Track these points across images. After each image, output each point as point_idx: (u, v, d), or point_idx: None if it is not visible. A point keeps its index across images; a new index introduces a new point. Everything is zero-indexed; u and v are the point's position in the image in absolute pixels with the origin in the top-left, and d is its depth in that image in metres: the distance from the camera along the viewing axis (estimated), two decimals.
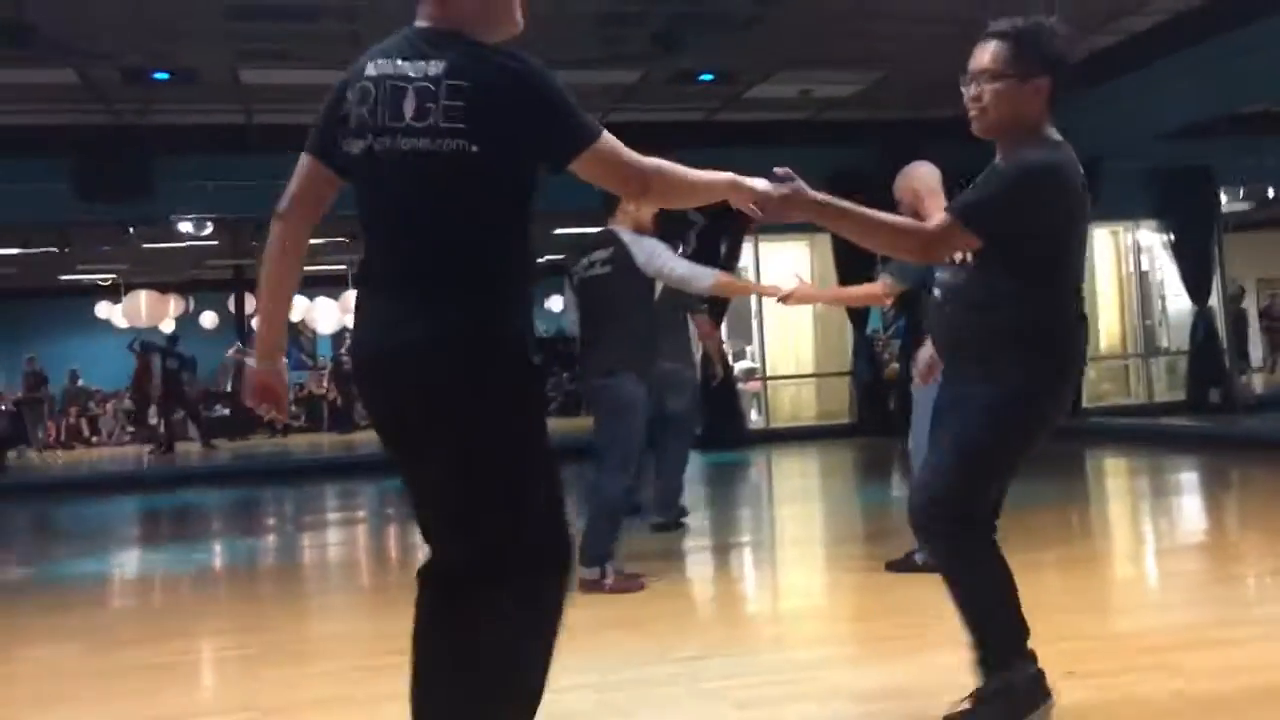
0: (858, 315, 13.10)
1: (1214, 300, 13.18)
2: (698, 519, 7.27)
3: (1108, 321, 14.28)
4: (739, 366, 14.55)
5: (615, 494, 4.96)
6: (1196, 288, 13.05)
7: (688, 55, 9.81)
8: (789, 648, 4.16)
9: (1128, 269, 14.30)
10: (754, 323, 13.82)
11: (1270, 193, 15.29)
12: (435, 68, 2.19)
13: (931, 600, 4.64)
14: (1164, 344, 14.39)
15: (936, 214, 3.19)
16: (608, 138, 2.30)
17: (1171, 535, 6.82)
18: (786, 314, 14.08)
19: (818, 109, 12.40)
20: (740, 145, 12.59)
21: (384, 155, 2.22)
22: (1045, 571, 5.16)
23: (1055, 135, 2.88)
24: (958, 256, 2.87)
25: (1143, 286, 14.28)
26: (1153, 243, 14.08)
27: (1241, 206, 15.82)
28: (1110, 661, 3.57)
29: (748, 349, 15.22)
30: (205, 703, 3.91)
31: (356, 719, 3.46)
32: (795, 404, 14.29)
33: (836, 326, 13.56)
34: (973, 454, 2.86)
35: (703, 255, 8.24)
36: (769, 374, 13.76)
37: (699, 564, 6.29)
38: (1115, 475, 9.88)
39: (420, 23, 2.30)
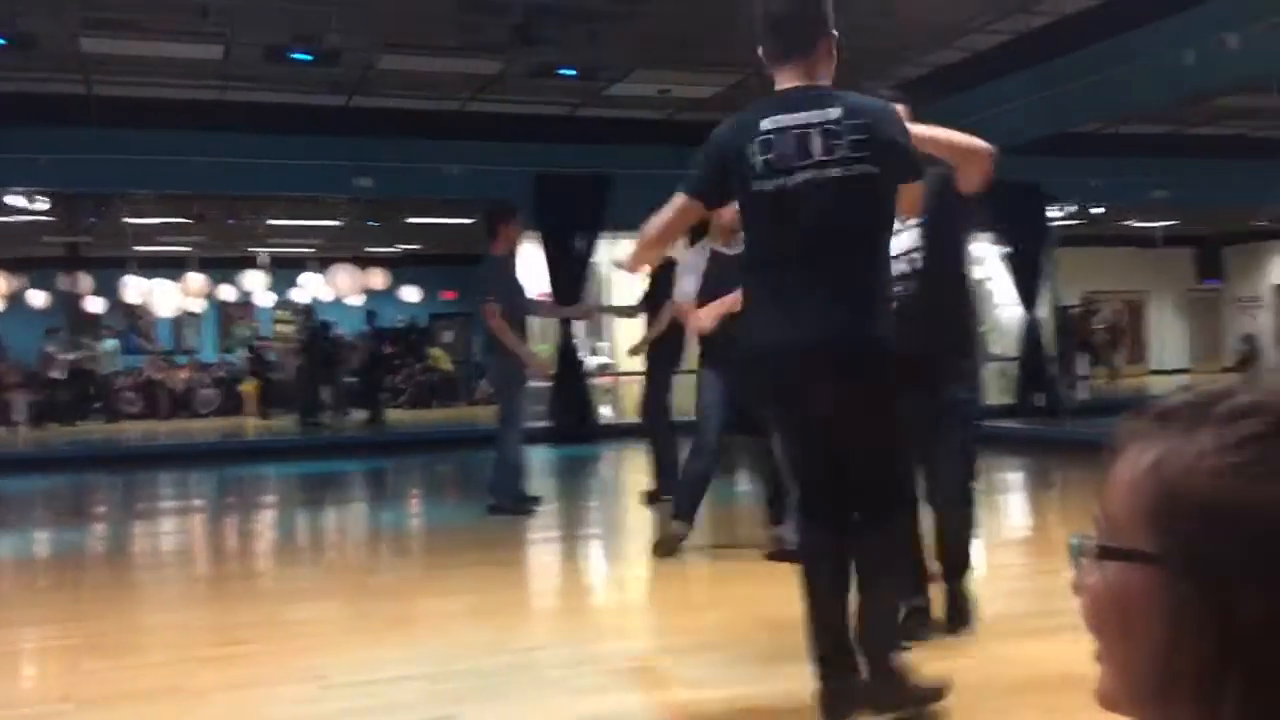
0: None
1: (1042, 310, 13.85)
2: (544, 510, 7.29)
3: None
4: (592, 361, 14.63)
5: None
6: (1027, 298, 13.69)
7: (549, 49, 9.81)
8: (629, 638, 4.23)
9: None
10: (606, 319, 13.90)
11: (1095, 209, 16.12)
12: (834, 113, 2.80)
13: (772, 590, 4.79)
14: (996, 350, 15.05)
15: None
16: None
17: (997, 532, 7.15)
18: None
19: (676, 109, 12.55)
20: (600, 142, 12.68)
21: (798, 188, 2.81)
22: None
23: None
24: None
25: (980, 295, 14.90)
26: (988, 253, 14.70)
27: (1069, 222, 16.65)
28: (930, 648, 3.74)
29: (601, 344, 15.32)
30: (23, 695, 3.75)
31: (181, 711, 3.36)
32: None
33: None
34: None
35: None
36: (621, 369, 13.88)
37: (544, 555, 6.32)
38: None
39: (789, 84, 2.93)
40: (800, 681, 2.97)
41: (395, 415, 17.29)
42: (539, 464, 11.16)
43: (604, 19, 9.18)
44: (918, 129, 3.09)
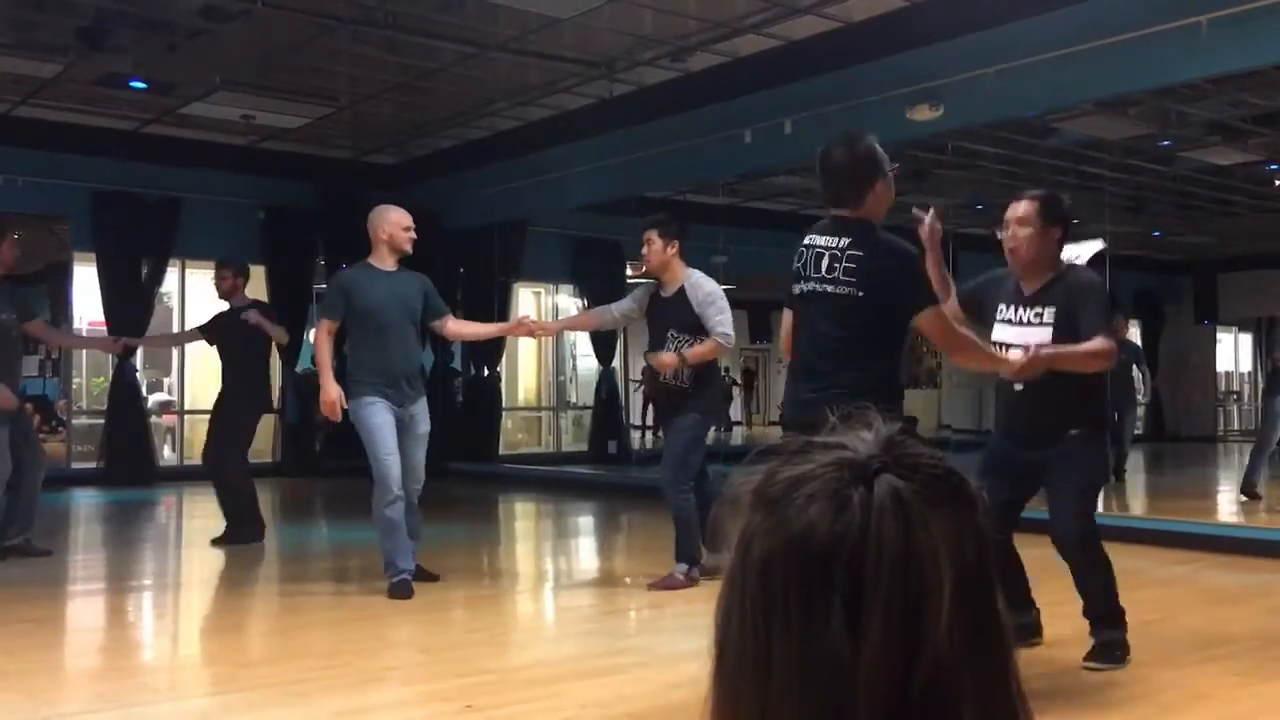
0: (288, 353, 12.79)
1: (616, 361, 14.58)
2: (93, 559, 6.62)
3: (525, 377, 15.25)
4: (153, 399, 13.54)
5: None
6: (603, 350, 14.36)
7: (119, 57, 9.05)
8: (182, 697, 3.91)
9: None
10: (174, 353, 12.96)
11: None
12: (843, 242, 3.47)
13: (344, 643, 4.63)
14: (572, 399, 15.63)
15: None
16: (939, 309, 3.57)
17: (569, 573, 7.38)
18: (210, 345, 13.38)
19: (259, 137, 12.02)
20: (173, 164, 11.85)
21: (809, 295, 3.54)
22: (453, 610, 5.35)
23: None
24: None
25: (558, 345, 15.42)
26: (568, 305, 15.28)
27: (643, 279, 17.70)
28: (506, 694, 3.76)
29: (165, 380, 14.25)
30: None
31: None
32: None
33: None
34: None
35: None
36: (187, 407, 12.95)
37: (87, 609, 5.72)
38: (524, 518, 10.52)
39: (836, 213, 3.56)
40: None
41: None
42: (86, 508, 10.14)
43: (185, 33, 8.61)
44: (1049, 351, 3.72)
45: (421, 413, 5.56)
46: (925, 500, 0.65)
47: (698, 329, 5.54)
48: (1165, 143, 11.42)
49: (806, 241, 3.59)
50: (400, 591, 5.29)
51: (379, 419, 5.32)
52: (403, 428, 5.42)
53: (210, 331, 7.54)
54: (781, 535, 0.65)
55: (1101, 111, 9.68)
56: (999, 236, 4.10)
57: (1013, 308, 4.05)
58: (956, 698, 0.63)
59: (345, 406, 5.38)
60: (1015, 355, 3.75)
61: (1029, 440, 4.03)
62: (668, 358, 5.49)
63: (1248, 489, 9.31)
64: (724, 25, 8.70)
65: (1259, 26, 6.56)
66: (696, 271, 5.80)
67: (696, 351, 5.48)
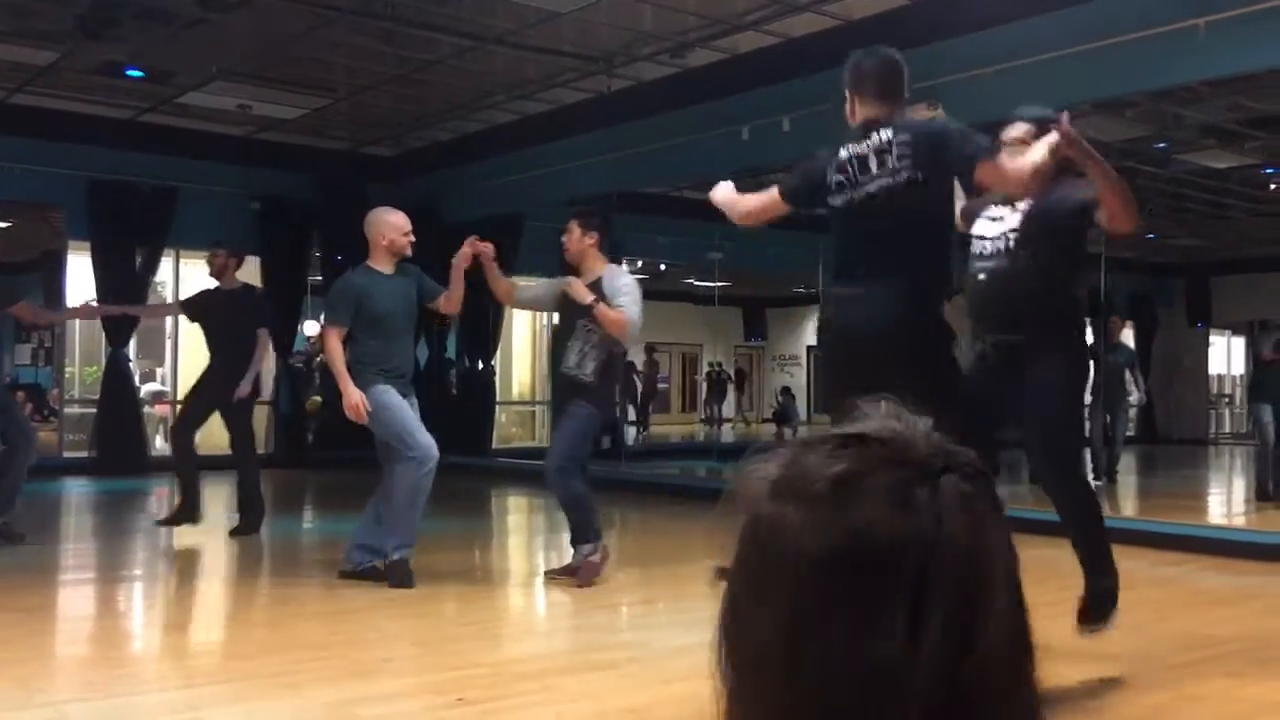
0: (282, 344, 12.77)
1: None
2: (84, 549, 6.61)
3: (520, 371, 15.24)
4: (146, 389, 13.52)
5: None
6: None
7: (117, 45, 9.03)
8: (173, 687, 3.91)
9: (541, 323, 15.36)
10: (167, 343, 12.93)
11: (662, 266, 17.25)
12: (885, 134, 3.51)
13: (336, 635, 4.63)
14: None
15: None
16: (995, 159, 3.51)
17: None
18: (200, 337, 13.34)
19: (256, 127, 12.00)
20: (170, 154, 11.82)
21: (864, 200, 3.53)
22: (445, 604, 5.35)
23: None
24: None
25: (552, 340, 15.39)
26: None
27: (638, 275, 17.72)
28: (498, 687, 3.76)
29: (158, 370, 14.22)
30: None
31: None
32: (207, 431, 13.50)
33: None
34: None
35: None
36: (180, 398, 12.89)
37: (78, 599, 5.71)
38: (517, 512, 10.52)
39: (867, 116, 3.60)
40: None
41: None
42: (77, 498, 10.12)
43: (184, 22, 8.58)
44: (1096, 158, 3.54)
45: (414, 409, 5.66)
46: (985, 503, 0.65)
47: None
48: (1161, 145, 11.44)
49: (843, 155, 3.59)
50: (403, 576, 5.37)
51: (397, 399, 5.46)
52: None
53: (193, 308, 7.45)
54: (837, 533, 0.63)
55: (1099, 113, 9.69)
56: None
57: (997, 207, 4.02)
58: (992, 698, 0.63)
59: (369, 408, 5.39)
60: (1041, 147, 3.59)
61: (999, 352, 3.90)
62: (580, 287, 5.44)
63: (1266, 493, 9.30)
64: (723, 22, 8.69)
65: (1256, 30, 6.57)
66: (617, 266, 5.77)
67: (606, 311, 5.38)
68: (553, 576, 5.75)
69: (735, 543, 0.68)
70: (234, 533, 7.22)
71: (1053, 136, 3.58)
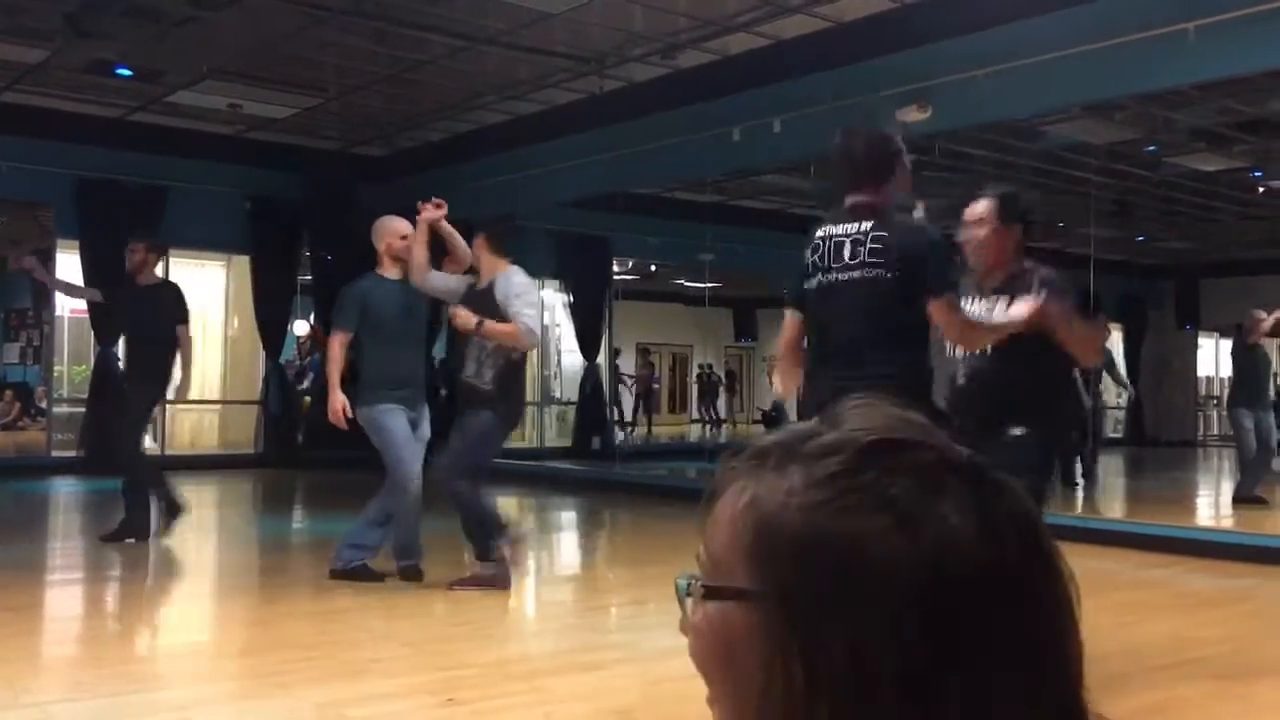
0: (273, 344, 12.75)
1: (601, 358, 14.57)
2: (71, 548, 6.59)
3: None
4: None
5: None
6: (588, 345, 14.35)
7: (106, 44, 9.00)
8: (163, 687, 3.90)
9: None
10: None
11: (653, 266, 17.26)
12: (865, 226, 3.45)
13: (326, 635, 4.63)
14: (557, 394, 15.62)
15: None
16: (954, 299, 3.54)
17: (551, 568, 7.38)
18: (193, 335, 13.29)
19: (247, 126, 11.97)
20: (159, 153, 11.79)
21: (831, 285, 3.49)
22: (435, 604, 5.35)
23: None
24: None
25: (543, 340, 15.39)
26: (554, 300, 15.27)
27: (629, 276, 17.71)
28: (488, 688, 3.76)
29: None
30: None
31: None
32: (196, 430, 13.51)
33: (248, 353, 13.08)
34: None
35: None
36: (169, 397, 12.86)
37: (67, 598, 5.69)
38: (507, 513, 10.48)
39: (854, 200, 3.51)
40: None
41: None
42: (66, 497, 10.08)
43: (174, 20, 8.55)
44: (1064, 325, 3.61)
45: (424, 420, 5.68)
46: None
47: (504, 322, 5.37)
48: (1151, 148, 11.48)
49: (821, 234, 3.54)
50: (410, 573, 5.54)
51: (395, 422, 5.47)
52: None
53: (112, 302, 7.34)
54: (914, 546, 0.59)
55: (1089, 115, 9.72)
56: (956, 238, 4.03)
57: (971, 300, 4.00)
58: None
59: (350, 415, 5.43)
60: (1019, 309, 3.64)
61: (972, 435, 3.94)
62: (464, 314, 5.29)
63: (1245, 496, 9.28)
64: (714, 23, 8.70)
65: (1246, 33, 6.60)
66: (516, 268, 5.63)
67: (495, 327, 5.26)
68: (458, 588, 5.42)
69: (784, 558, 0.61)
70: (105, 539, 6.74)
71: (1019, 310, 3.63)
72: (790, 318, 3.71)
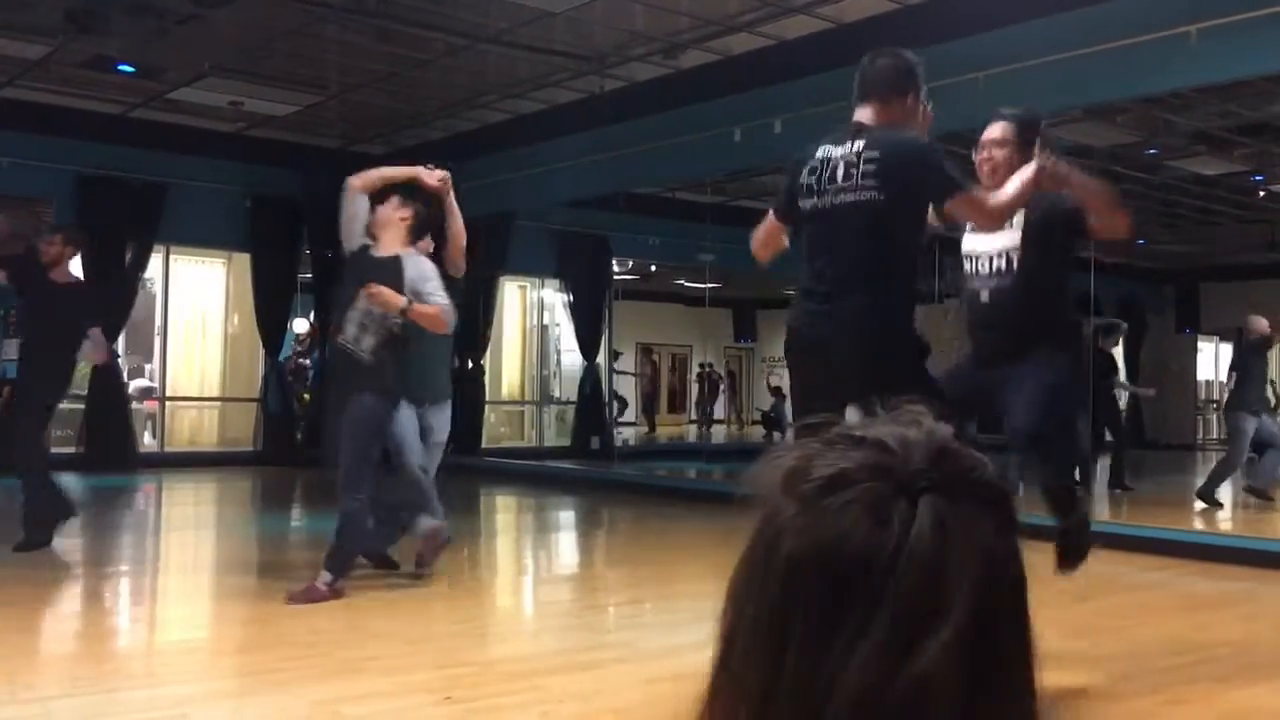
0: (272, 341, 12.75)
1: (600, 357, 14.57)
2: (70, 545, 6.59)
3: (509, 370, 15.23)
4: (134, 385, 13.47)
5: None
6: (588, 345, 14.34)
7: (107, 40, 8.99)
8: (162, 683, 3.89)
9: (530, 322, 15.36)
10: (156, 340, 12.89)
11: (653, 266, 17.26)
12: (858, 146, 3.37)
13: (323, 632, 4.62)
14: (556, 394, 15.62)
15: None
16: (971, 188, 3.47)
17: (549, 567, 7.38)
18: (193, 333, 13.34)
19: (247, 123, 11.96)
20: (160, 149, 11.78)
21: (827, 209, 3.42)
22: (434, 602, 5.35)
23: None
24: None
25: (542, 340, 15.41)
26: (554, 300, 15.26)
27: (629, 276, 17.72)
28: (485, 686, 3.76)
29: (146, 366, 14.17)
30: None
31: None
32: (195, 428, 13.50)
33: (248, 350, 13.07)
34: None
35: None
36: (168, 394, 12.88)
37: (65, 594, 5.68)
38: (506, 512, 10.51)
39: (858, 117, 3.45)
40: None
41: None
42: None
43: (176, 17, 8.55)
44: (1076, 178, 3.60)
45: (440, 423, 5.72)
46: (968, 526, 0.63)
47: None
48: (1151, 151, 11.48)
49: (820, 154, 3.45)
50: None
51: (402, 418, 5.43)
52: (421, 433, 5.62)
53: (21, 296, 6.70)
54: (812, 537, 0.63)
55: (1090, 118, 9.73)
56: (973, 158, 4.00)
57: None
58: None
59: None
60: (1028, 169, 3.59)
61: (996, 353, 3.88)
62: (390, 294, 4.99)
63: (1208, 496, 9.30)
64: (716, 23, 8.70)
65: (1247, 37, 6.60)
66: (417, 251, 5.43)
67: (422, 309, 5.06)
68: (294, 602, 5.00)
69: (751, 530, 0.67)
70: (19, 548, 6.16)
71: (1028, 171, 3.60)
72: (771, 218, 3.72)
